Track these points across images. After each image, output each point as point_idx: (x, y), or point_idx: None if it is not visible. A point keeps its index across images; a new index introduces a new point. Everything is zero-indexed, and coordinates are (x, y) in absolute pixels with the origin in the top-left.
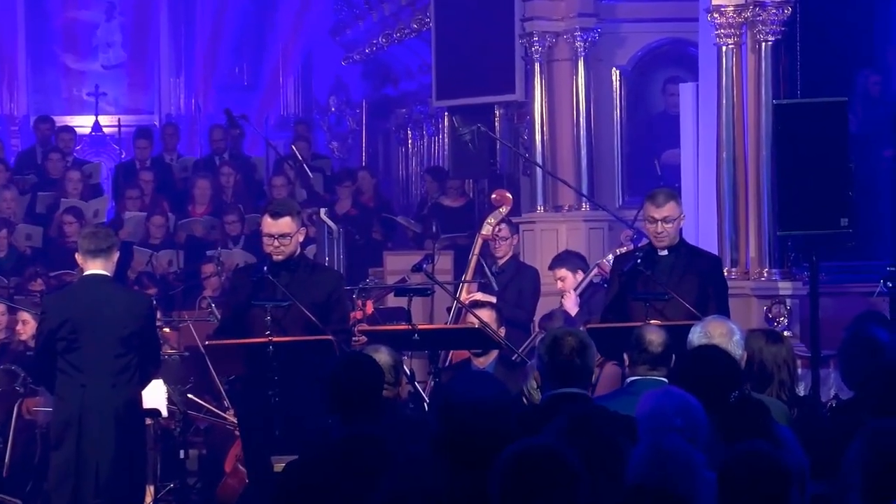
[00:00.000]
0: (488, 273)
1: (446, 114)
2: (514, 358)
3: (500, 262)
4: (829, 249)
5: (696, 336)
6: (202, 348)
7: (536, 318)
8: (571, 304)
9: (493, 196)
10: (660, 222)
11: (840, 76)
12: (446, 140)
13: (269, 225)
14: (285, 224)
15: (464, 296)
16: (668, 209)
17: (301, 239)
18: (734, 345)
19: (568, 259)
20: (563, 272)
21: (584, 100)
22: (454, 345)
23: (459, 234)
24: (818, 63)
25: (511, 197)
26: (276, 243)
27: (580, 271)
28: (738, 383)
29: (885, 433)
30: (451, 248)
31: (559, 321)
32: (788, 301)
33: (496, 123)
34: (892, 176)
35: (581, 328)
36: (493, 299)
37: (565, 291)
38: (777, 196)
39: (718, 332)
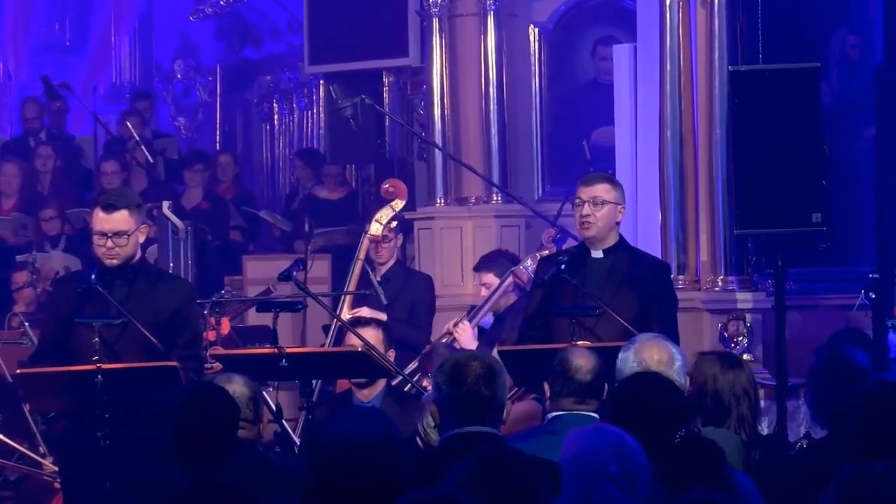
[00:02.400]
0: (375, 283)
1: (322, 82)
2: (406, 389)
3: (383, 269)
4: (799, 252)
5: (627, 362)
6: (12, 378)
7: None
8: (468, 338)
9: (385, 187)
10: (587, 204)
11: (811, 37)
12: (322, 116)
13: (102, 220)
14: (122, 219)
15: (345, 311)
16: (600, 190)
17: (142, 239)
18: (675, 373)
19: (499, 261)
20: (489, 277)
21: (494, 65)
22: (332, 373)
23: (339, 227)
24: (784, 21)
25: (406, 189)
26: (110, 244)
27: None
28: (686, 419)
29: (865, 480)
30: (329, 250)
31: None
32: (749, 316)
33: (385, 95)
34: (874, 160)
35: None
36: (383, 316)
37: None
38: (734, 186)
39: (656, 359)
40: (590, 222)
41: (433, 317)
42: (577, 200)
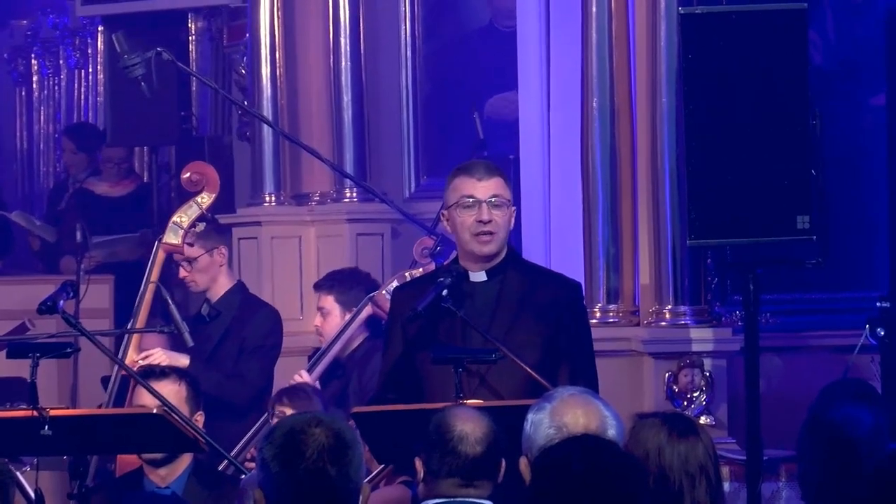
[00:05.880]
0: (175, 315)
1: (101, 30)
2: (221, 468)
3: (214, 295)
4: (779, 271)
5: (541, 427)
6: None
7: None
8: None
9: (187, 176)
10: (485, 205)
11: None
12: (101, 77)
13: None
14: None
15: (131, 355)
16: (497, 185)
17: None
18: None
19: (349, 284)
20: (328, 302)
21: (347, 6)
22: (115, 445)
23: (125, 235)
24: None
25: (217, 177)
26: None
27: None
28: None
29: None
30: (111, 268)
31: None
32: (708, 362)
33: (191, 47)
34: (885, 140)
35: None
36: (185, 360)
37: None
38: (687, 178)
39: (582, 423)
40: (492, 232)
41: (271, 365)
42: (466, 200)
